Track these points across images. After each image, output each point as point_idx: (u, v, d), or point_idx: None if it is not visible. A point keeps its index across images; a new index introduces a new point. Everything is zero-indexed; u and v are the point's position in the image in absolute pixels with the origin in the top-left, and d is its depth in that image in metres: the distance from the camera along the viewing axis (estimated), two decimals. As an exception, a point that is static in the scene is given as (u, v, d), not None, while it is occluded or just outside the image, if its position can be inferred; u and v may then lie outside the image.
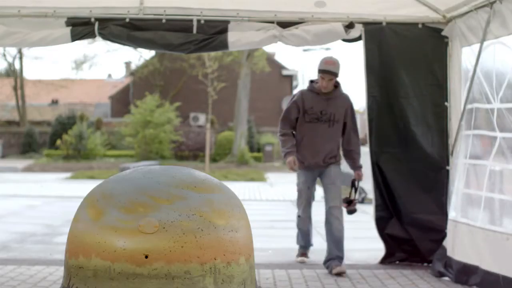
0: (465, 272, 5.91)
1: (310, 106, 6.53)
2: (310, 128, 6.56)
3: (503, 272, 5.27)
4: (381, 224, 7.01)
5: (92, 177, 21.99)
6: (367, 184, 13.15)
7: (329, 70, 6.42)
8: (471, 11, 5.98)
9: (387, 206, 6.95)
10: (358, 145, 6.74)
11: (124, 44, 6.90)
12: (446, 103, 6.75)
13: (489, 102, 5.70)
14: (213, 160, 30.55)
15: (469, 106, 6.11)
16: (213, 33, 6.66)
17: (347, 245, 8.83)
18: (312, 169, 6.74)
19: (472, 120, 6.04)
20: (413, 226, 6.89)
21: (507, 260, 5.25)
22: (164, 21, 6.64)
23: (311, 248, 7.70)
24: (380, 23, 6.77)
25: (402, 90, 6.77)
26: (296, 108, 6.56)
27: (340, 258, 6.54)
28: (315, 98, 6.55)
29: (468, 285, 5.84)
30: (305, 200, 7.00)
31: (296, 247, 7.68)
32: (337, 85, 6.61)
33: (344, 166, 7.18)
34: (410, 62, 6.80)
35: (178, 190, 3.01)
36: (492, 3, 5.57)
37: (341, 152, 6.76)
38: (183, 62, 35.37)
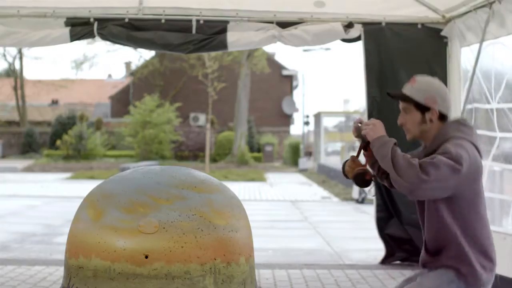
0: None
1: None
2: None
3: (500, 272, 5.27)
4: (382, 224, 7.00)
5: (92, 177, 21.99)
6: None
7: (394, 94, 3.41)
8: (470, 11, 5.98)
9: (387, 206, 6.95)
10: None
11: (123, 44, 6.90)
12: (445, 103, 6.75)
13: (488, 102, 5.71)
14: (213, 160, 30.56)
15: (468, 106, 6.12)
16: (212, 33, 6.66)
17: (347, 245, 8.85)
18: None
19: (472, 120, 6.05)
20: (413, 226, 6.88)
21: (504, 260, 5.26)
22: (163, 21, 6.65)
23: (310, 247, 7.64)
24: (380, 23, 6.77)
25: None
26: None
27: None
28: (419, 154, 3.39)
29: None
30: None
31: (296, 246, 7.66)
32: (440, 124, 3.27)
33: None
34: (409, 62, 6.80)
35: (178, 190, 3.03)
36: (491, 3, 5.57)
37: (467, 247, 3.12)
38: (183, 62, 35.38)
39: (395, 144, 3.10)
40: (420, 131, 3.30)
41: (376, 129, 3.25)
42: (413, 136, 3.39)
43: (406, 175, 2.92)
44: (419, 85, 3.24)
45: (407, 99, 3.29)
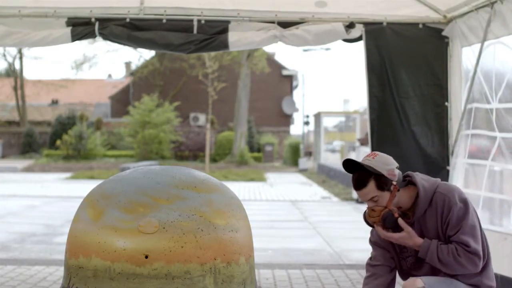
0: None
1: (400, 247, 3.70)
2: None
3: (500, 271, 5.27)
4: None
5: (92, 177, 21.99)
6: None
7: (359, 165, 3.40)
8: (472, 11, 5.98)
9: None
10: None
11: (124, 44, 6.90)
12: (446, 103, 6.75)
13: (488, 102, 5.71)
14: (213, 160, 30.56)
15: (469, 106, 6.12)
16: (213, 33, 6.66)
17: (347, 245, 8.85)
18: None
19: (472, 119, 6.05)
20: (413, 226, 6.89)
21: (505, 260, 5.25)
22: (164, 21, 6.64)
23: (310, 247, 7.64)
24: (381, 23, 6.77)
25: (403, 90, 6.78)
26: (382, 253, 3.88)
27: None
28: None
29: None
30: None
31: (296, 246, 7.65)
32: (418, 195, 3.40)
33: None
34: (410, 62, 6.80)
35: (178, 190, 3.02)
36: (492, 3, 5.57)
37: None
38: (183, 62, 35.39)
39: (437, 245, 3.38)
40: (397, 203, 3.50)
41: (411, 239, 3.47)
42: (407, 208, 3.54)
43: (465, 268, 3.28)
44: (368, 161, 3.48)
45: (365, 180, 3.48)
